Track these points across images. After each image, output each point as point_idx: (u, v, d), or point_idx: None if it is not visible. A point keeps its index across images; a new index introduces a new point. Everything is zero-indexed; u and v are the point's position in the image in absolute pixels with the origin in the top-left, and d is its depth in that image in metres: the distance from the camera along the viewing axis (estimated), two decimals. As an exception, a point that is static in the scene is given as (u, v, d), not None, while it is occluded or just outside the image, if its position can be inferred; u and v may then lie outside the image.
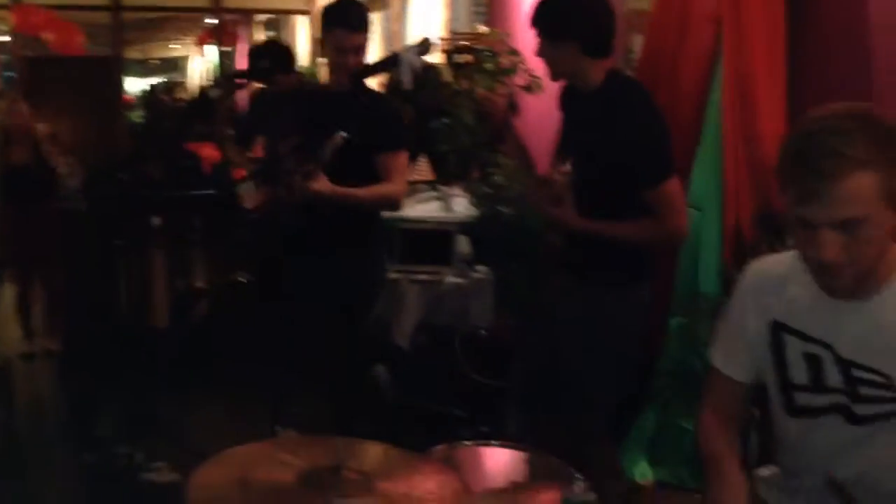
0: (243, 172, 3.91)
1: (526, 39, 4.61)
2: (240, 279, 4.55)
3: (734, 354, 1.78)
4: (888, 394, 1.54)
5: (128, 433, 3.44)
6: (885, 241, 1.49)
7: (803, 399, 1.65)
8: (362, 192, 3.13)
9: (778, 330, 1.67)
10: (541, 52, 2.68)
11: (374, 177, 3.17)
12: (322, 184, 3.03)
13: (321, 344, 3.28)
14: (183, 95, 14.36)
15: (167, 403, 4.18)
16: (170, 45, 17.02)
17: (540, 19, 2.63)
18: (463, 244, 4.29)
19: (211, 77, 14.02)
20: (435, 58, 5.10)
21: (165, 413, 4.06)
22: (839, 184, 1.42)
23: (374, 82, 5.04)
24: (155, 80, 17.09)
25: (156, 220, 5.35)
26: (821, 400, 1.62)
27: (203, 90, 10.85)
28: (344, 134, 2.92)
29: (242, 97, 6.84)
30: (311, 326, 3.26)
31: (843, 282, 1.53)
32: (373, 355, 4.23)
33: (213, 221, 5.26)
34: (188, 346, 4.69)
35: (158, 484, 3.36)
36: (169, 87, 15.07)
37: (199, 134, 10.58)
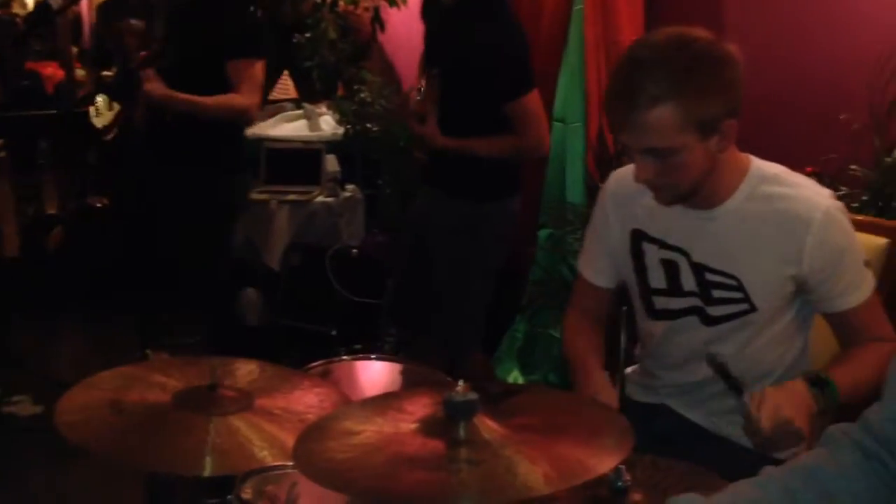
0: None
1: (388, -51, 4.51)
2: (96, 204, 4.34)
3: (596, 261, 1.84)
4: (737, 295, 1.63)
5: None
6: (702, 164, 1.54)
7: (662, 302, 1.73)
8: (204, 99, 2.93)
9: (638, 238, 1.73)
10: None
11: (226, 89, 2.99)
12: (154, 85, 2.87)
13: (181, 265, 3.16)
14: (18, 10, 13.28)
15: (24, 336, 3.99)
16: (0, -45, 15.68)
17: None
18: (331, 162, 4.24)
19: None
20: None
21: (23, 346, 3.87)
22: (641, 115, 1.48)
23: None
24: (-15, -6, 15.74)
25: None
26: (678, 303, 1.70)
27: (41, 3, 10.05)
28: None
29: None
30: (169, 247, 3.14)
31: (667, 198, 1.61)
32: (243, 277, 4.16)
33: (60, 144, 4.97)
34: (44, 276, 4.46)
35: (20, 417, 3.23)
36: (2, 2, 13.89)
37: (39, 51, 9.86)
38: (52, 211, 5.01)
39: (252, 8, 3.12)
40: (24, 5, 14.55)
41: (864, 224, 1.85)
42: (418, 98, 2.66)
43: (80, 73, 7.12)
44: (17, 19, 11.50)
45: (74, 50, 8.31)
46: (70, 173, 4.94)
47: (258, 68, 3.03)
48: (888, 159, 2.42)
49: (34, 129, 5.01)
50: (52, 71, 9.55)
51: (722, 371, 1.50)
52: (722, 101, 1.50)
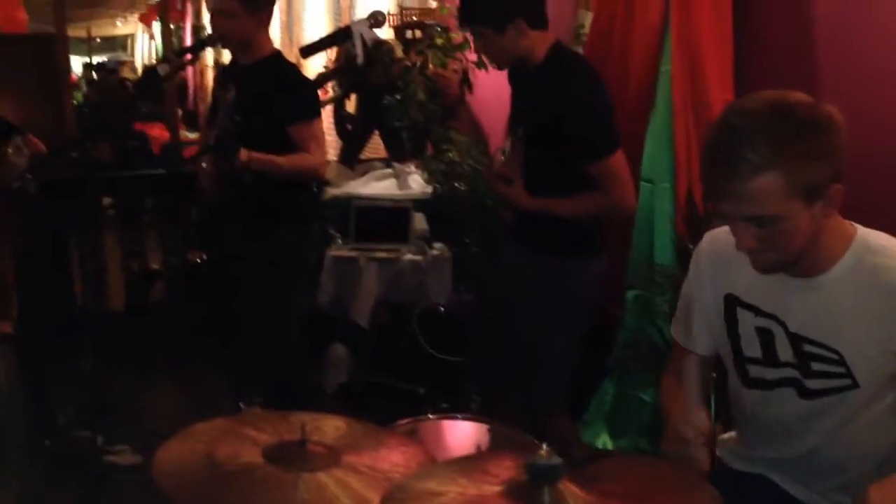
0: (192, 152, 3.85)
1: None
2: (196, 259, 4.50)
3: (691, 327, 1.79)
4: (838, 369, 1.57)
5: (87, 417, 3.38)
6: (807, 230, 1.49)
7: (756, 371, 1.68)
8: (281, 159, 3.04)
9: (732, 304, 1.68)
10: (484, 47, 2.68)
11: (293, 148, 3.09)
12: (254, 155, 2.98)
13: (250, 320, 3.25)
14: (129, 75, 14.06)
15: (126, 387, 4.13)
16: (115, 23, 16.64)
17: (483, 13, 2.60)
18: (419, 221, 4.29)
19: (156, 55, 13.73)
20: (385, 33, 5.07)
21: (125, 396, 4.01)
22: (743, 185, 1.43)
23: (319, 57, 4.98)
24: (99, 59, 16.71)
25: (106, 202, 5.26)
26: (773, 373, 1.65)
27: (150, 68, 10.63)
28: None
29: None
30: (247, 303, 3.24)
31: (769, 265, 1.55)
32: (331, 334, 4.23)
33: (164, 202, 5.19)
34: (145, 329, 4.64)
35: (121, 466, 3.31)
36: (115, 67, 14.74)
37: (147, 114, 10.40)
38: (154, 266, 5.22)
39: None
40: (133, 70, 15.37)
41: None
42: (503, 159, 2.70)
43: (185, 133, 7.46)
44: (127, 83, 12.19)
45: (180, 112, 8.74)
46: (173, 230, 5.13)
47: (317, 126, 3.16)
48: None
49: (141, 188, 5.24)
50: (158, 132, 10.06)
51: None
52: (825, 165, 1.45)
